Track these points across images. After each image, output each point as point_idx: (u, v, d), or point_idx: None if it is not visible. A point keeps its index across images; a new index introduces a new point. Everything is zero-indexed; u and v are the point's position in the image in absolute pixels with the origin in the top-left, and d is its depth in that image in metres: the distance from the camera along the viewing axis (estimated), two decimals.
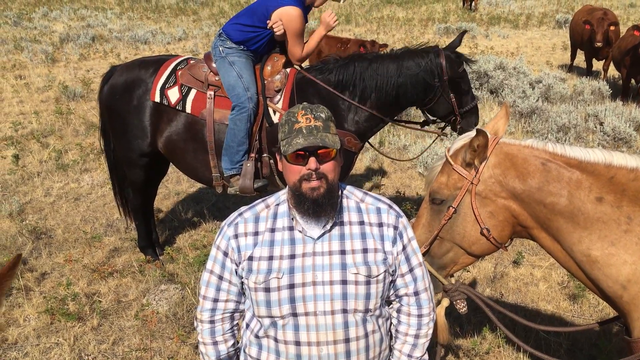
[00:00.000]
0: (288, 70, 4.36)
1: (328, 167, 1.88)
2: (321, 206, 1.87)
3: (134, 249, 5.05)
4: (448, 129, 4.62)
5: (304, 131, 1.84)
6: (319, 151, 1.85)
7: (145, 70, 4.43)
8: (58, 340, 3.88)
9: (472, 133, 2.37)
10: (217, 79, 4.27)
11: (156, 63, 4.49)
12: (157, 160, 4.66)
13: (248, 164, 4.22)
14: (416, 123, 4.76)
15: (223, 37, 4.28)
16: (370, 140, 4.70)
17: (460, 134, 4.29)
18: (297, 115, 1.87)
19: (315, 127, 1.85)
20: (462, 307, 2.52)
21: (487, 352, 3.71)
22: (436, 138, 4.92)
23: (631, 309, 2.06)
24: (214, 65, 4.30)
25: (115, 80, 4.49)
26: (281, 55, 4.37)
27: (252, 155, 4.23)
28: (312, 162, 1.85)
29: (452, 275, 2.59)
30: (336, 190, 1.94)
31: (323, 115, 1.89)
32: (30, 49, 13.50)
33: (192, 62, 4.45)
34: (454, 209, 2.36)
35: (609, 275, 2.09)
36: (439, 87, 4.17)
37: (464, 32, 4.53)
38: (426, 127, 4.73)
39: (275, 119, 4.25)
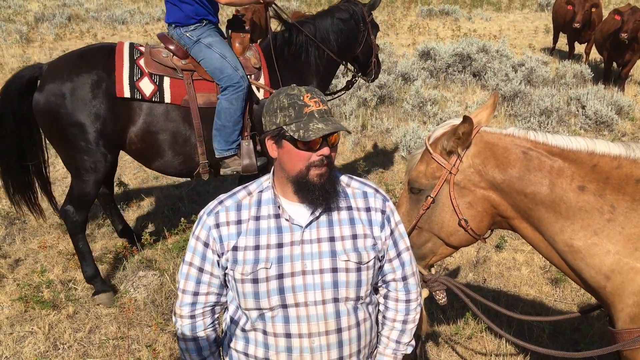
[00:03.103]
0: (254, 45, 4.37)
1: (334, 153, 1.86)
2: (328, 192, 1.82)
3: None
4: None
5: (316, 115, 1.76)
6: (329, 137, 1.79)
7: (91, 67, 3.93)
8: (32, 328, 3.79)
9: (454, 120, 2.31)
10: (184, 62, 4.10)
11: (98, 55, 4.02)
12: (114, 163, 4.29)
13: (246, 143, 4.20)
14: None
15: (178, 27, 4.09)
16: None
17: (372, 81, 5.21)
18: (304, 97, 1.77)
19: (325, 111, 1.79)
20: (441, 297, 2.48)
21: (469, 337, 3.70)
22: (351, 84, 5.30)
23: (615, 300, 2.03)
24: (171, 47, 4.11)
25: (57, 86, 3.87)
26: (244, 30, 4.37)
27: (246, 133, 4.21)
28: (327, 148, 1.79)
29: (432, 266, 2.55)
30: (336, 176, 1.91)
31: (325, 99, 1.84)
32: (4, 28, 13.11)
33: (142, 48, 4.11)
34: (432, 199, 2.31)
35: (592, 266, 2.06)
36: (364, 30, 4.76)
37: None
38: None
39: (260, 95, 4.26)
